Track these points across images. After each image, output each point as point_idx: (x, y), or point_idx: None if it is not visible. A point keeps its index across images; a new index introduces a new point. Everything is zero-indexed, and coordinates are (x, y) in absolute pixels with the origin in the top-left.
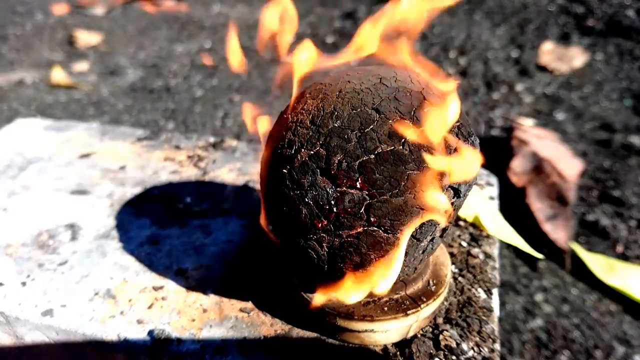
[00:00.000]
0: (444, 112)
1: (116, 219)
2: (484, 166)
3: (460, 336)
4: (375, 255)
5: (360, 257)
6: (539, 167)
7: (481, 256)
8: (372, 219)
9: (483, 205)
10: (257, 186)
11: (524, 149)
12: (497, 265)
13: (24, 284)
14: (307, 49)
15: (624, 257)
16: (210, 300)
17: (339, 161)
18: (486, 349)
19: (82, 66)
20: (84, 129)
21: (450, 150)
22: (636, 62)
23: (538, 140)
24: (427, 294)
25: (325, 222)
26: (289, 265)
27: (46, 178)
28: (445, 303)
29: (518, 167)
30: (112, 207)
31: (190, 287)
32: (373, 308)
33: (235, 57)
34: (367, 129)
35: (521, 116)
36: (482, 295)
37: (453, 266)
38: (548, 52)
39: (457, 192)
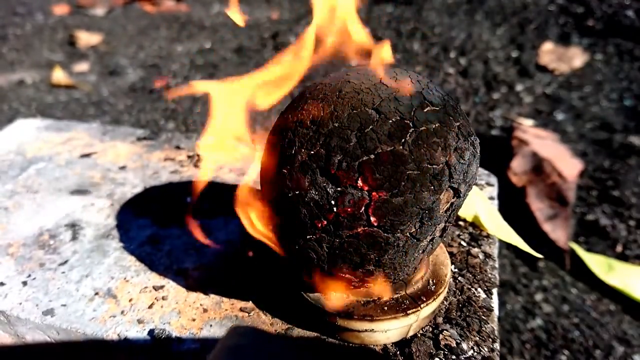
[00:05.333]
0: None
1: (116, 218)
2: (484, 166)
3: (460, 336)
4: (375, 256)
5: (360, 257)
6: (539, 167)
7: (481, 256)
8: (372, 219)
9: (483, 205)
10: (257, 186)
11: (524, 149)
12: (496, 265)
13: (24, 283)
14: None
15: (623, 257)
16: (210, 300)
17: (339, 161)
18: (486, 349)
19: (82, 66)
20: (84, 129)
21: (449, 149)
22: (636, 62)
23: (538, 140)
24: (427, 294)
25: (325, 222)
26: (289, 264)
27: (47, 178)
28: (445, 303)
29: (518, 167)
30: (113, 207)
31: (190, 287)
32: (373, 308)
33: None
34: (367, 129)
35: (521, 116)
36: (482, 294)
37: (453, 266)
38: (548, 52)
39: (457, 192)
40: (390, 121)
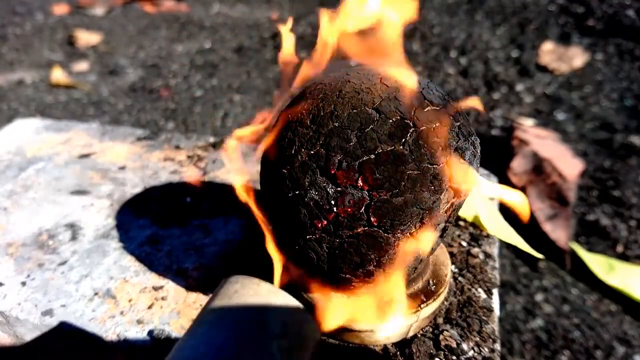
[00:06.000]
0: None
1: (116, 219)
2: (485, 166)
3: (461, 336)
4: (376, 256)
5: (361, 257)
6: (539, 167)
7: (481, 256)
8: (372, 219)
9: (483, 205)
10: (257, 186)
11: (524, 148)
12: (497, 265)
13: (24, 283)
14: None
15: (624, 257)
16: None
17: (339, 161)
18: (486, 349)
19: (82, 66)
20: (83, 129)
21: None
22: (636, 62)
23: (538, 140)
24: (427, 294)
25: (325, 222)
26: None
27: (46, 178)
28: (446, 303)
29: (518, 167)
30: (112, 207)
31: (190, 287)
32: None
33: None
34: (367, 129)
35: (521, 116)
36: (482, 295)
37: (453, 266)
38: (548, 52)
39: (457, 192)
40: (391, 121)
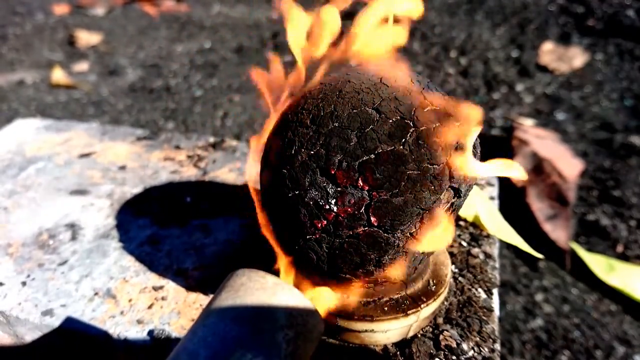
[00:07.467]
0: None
1: (116, 218)
2: None
3: (461, 336)
4: (376, 256)
5: (361, 257)
6: (539, 167)
7: (481, 256)
8: (372, 219)
9: (483, 205)
10: (257, 186)
11: (524, 148)
12: (497, 265)
13: (24, 283)
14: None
15: (624, 257)
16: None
17: (339, 161)
18: (486, 349)
19: (82, 66)
20: (83, 128)
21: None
22: (636, 62)
23: (538, 140)
24: (427, 294)
25: (325, 222)
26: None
27: (46, 178)
28: (446, 303)
29: None
30: (112, 207)
31: (190, 287)
32: (373, 308)
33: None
34: (367, 129)
35: (521, 116)
36: (483, 295)
37: (453, 266)
38: (548, 52)
39: (457, 192)
40: (391, 121)
